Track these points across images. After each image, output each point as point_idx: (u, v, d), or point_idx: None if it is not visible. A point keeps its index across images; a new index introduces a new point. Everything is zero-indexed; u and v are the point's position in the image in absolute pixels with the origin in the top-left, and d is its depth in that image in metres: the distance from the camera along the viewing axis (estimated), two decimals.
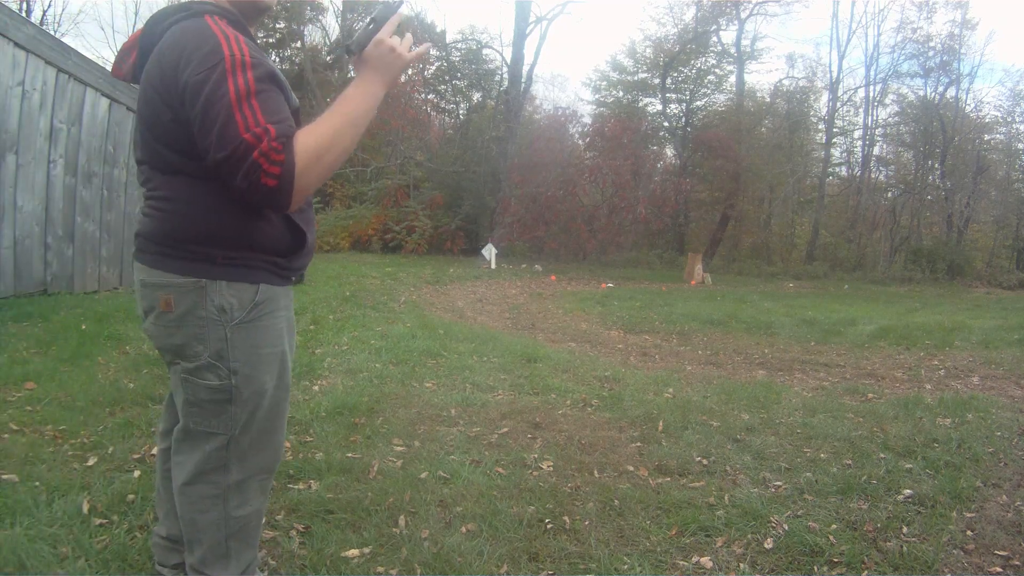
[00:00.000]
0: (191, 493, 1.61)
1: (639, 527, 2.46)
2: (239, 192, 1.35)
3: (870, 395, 4.62)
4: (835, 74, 22.47)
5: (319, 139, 1.38)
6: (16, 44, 5.87)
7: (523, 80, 19.86)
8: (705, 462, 3.14)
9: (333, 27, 24.13)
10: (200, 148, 1.37)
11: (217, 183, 1.40)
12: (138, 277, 1.56)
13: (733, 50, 22.04)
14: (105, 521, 2.23)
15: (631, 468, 3.04)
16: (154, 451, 2.82)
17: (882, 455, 3.24)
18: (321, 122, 1.42)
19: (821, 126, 23.84)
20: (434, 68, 22.11)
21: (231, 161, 1.32)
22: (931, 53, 21.06)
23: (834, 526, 2.48)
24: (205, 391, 1.53)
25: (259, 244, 1.51)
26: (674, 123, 23.58)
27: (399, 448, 3.15)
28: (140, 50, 1.55)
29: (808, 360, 6.14)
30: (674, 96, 23.61)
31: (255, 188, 1.33)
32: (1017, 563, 2.27)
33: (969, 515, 2.61)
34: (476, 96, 23.22)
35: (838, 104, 22.76)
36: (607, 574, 2.15)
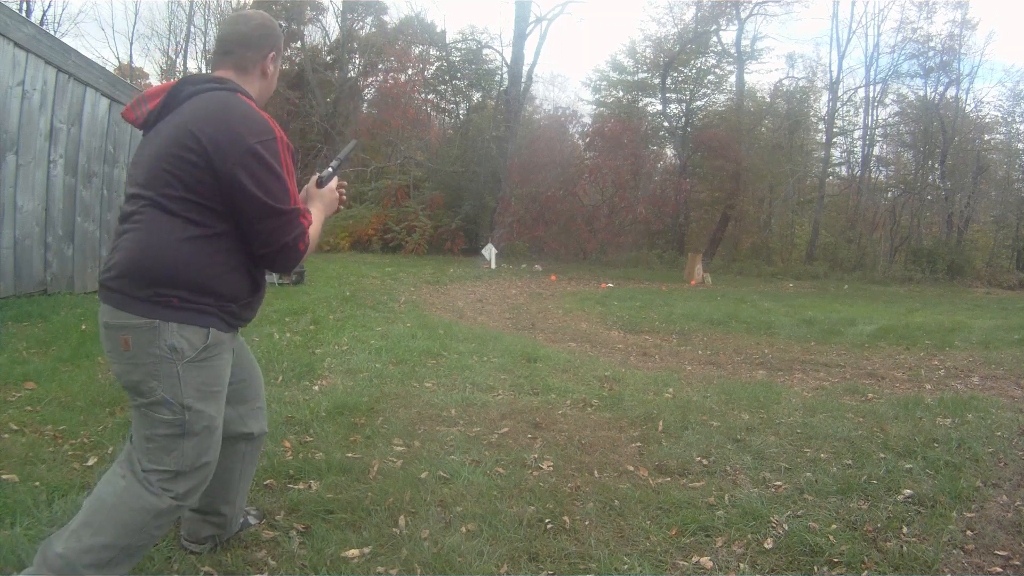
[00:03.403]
0: (125, 492, 1.63)
1: (639, 527, 2.46)
2: (280, 243, 1.66)
3: (870, 395, 4.62)
4: (835, 74, 22.49)
5: (315, 233, 1.82)
6: (16, 44, 5.87)
7: (523, 80, 19.85)
8: (705, 462, 3.14)
9: (333, 27, 24.18)
10: (252, 202, 1.61)
11: (204, 230, 1.61)
12: (102, 319, 1.68)
13: (733, 50, 22.03)
14: None
15: (631, 468, 3.04)
16: None
17: (882, 455, 3.24)
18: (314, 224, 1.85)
19: (821, 126, 23.86)
20: (434, 68, 22.13)
21: (288, 220, 1.65)
22: (931, 53, 21.07)
23: (834, 526, 2.48)
24: (161, 425, 1.63)
25: (220, 291, 1.67)
26: (674, 123, 23.57)
27: (399, 448, 3.15)
28: (165, 102, 1.70)
29: (808, 360, 6.14)
30: (674, 96, 23.60)
31: (294, 248, 1.69)
32: (1017, 563, 2.27)
33: (969, 515, 2.61)
34: (476, 96, 23.23)
35: (838, 104, 22.77)
36: (607, 574, 2.15)
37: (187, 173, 1.59)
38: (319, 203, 1.90)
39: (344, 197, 1.98)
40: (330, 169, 1.95)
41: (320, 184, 1.92)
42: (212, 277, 1.64)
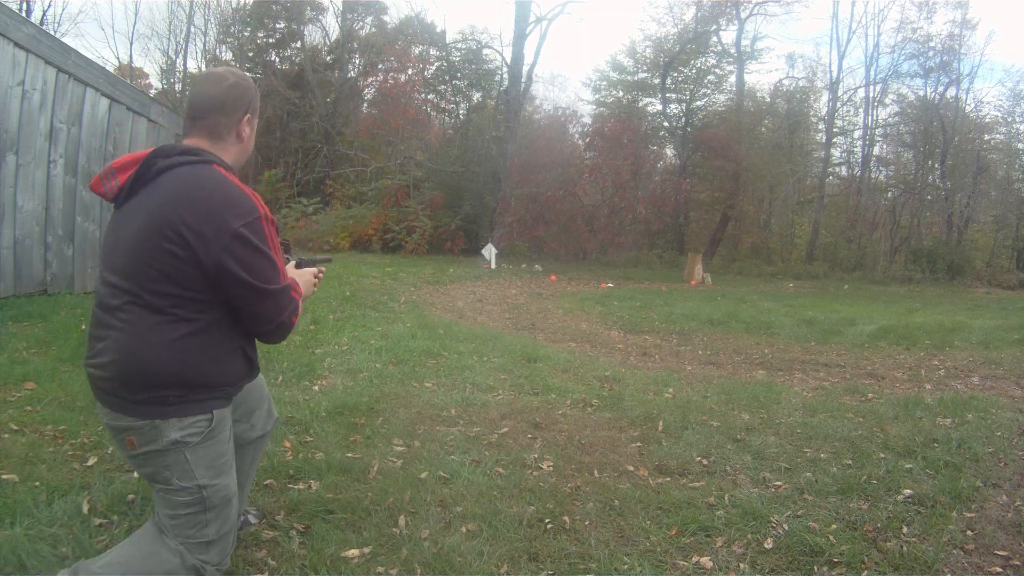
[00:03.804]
0: (176, 552, 1.66)
1: (639, 527, 2.46)
2: (275, 323, 1.64)
3: (870, 395, 4.62)
4: (835, 74, 22.47)
5: (300, 306, 1.78)
6: (16, 44, 5.87)
7: (523, 80, 19.83)
8: (705, 462, 3.14)
9: (333, 27, 24.15)
10: (243, 287, 1.55)
11: (194, 325, 1.56)
12: (102, 419, 1.69)
13: (733, 50, 22.01)
14: (105, 521, 2.23)
15: (631, 468, 3.04)
16: None
17: (882, 455, 3.25)
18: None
19: (821, 126, 23.85)
20: (434, 68, 22.12)
21: (280, 298, 1.62)
22: (931, 53, 21.04)
23: (834, 526, 2.48)
24: (182, 506, 1.67)
25: (217, 381, 1.65)
26: (674, 123, 23.56)
27: (399, 448, 3.15)
28: (136, 176, 1.59)
29: (808, 360, 6.14)
30: (674, 96, 23.58)
31: (288, 323, 1.67)
32: (1017, 563, 2.28)
33: (969, 515, 2.61)
34: (476, 96, 23.21)
35: (838, 104, 22.76)
36: (607, 574, 2.15)
37: (171, 266, 1.52)
38: (299, 280, 1.87)
39: (317, 283, 2.01)
40: (308, 260, 2.02)
41: (299, 266, 1.95)
42: (208, 372, 1.62)
